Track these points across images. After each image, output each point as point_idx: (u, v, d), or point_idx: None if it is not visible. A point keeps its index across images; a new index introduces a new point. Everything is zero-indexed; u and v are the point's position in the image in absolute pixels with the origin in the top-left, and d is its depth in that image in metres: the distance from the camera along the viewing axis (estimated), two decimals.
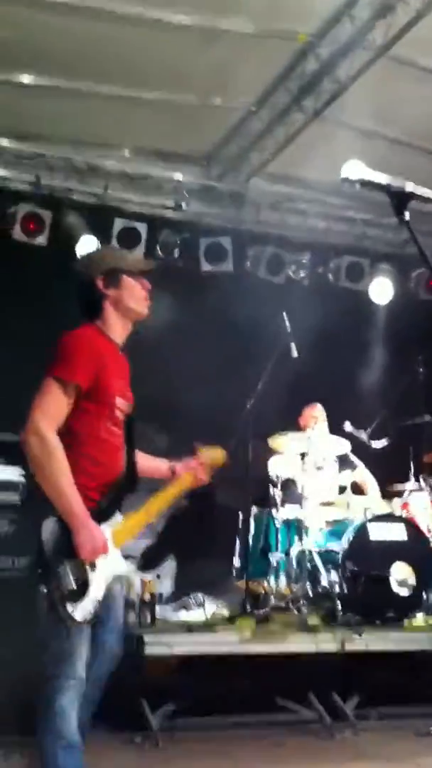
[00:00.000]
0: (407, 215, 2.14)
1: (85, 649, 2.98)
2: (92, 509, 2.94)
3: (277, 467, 6.27)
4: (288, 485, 6.16)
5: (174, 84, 6.68)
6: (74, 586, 2.84)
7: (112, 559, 2.99)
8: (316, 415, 6.76)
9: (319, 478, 6.28)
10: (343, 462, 6.62)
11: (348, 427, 6.57)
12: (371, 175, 2.16)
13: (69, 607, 2.83)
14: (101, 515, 2.98)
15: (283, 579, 5.92)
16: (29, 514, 4.70)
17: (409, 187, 2.13)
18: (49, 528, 2.90)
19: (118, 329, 3.27)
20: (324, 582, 5.65)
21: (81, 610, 2.86)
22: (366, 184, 2.16)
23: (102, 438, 3.09)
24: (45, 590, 2.83)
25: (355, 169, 2.18)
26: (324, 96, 6.63)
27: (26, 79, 6.49)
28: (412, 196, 2.12)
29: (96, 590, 2.91)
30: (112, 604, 3.09)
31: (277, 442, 6.26)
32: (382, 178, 2.16)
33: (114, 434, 3.14)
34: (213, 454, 3.41)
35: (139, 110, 6.88)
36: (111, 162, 7.60)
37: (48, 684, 2.95)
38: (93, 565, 2.91)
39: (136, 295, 3.29)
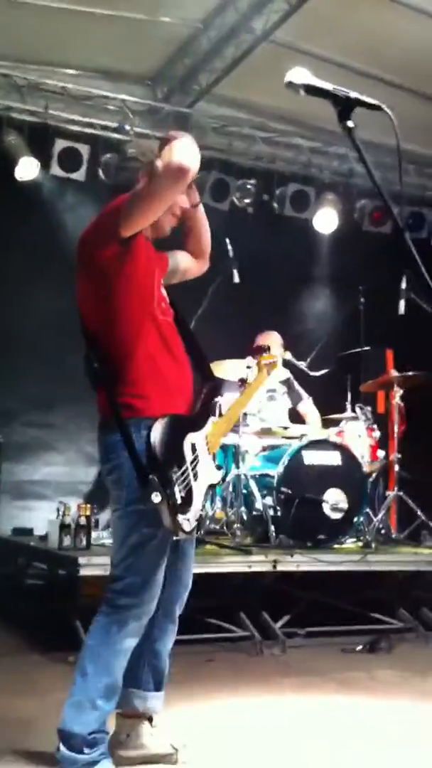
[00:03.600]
0: (351, 123, 2.10)
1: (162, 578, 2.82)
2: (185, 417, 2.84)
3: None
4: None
5: None
6: (184, 494, 2.68)
7: (209, 467, 2.88)
8: (275, 340, 6.75)
9: (272, 407, 6.34)
10: (291, 391, 6.66)
11: (287, 355, 6.60)
12: (315, 80, 2.12)
13: (180, 517, 2.65)
14: (195, 423, 2.87)
15: (218, 503, 5.99)
16: None
17: (354, 93, 2.09)
18: (158, 431, 2.68)
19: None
20: (258, 506, 5.73)
21: (189, 522, 2.70)
22: (310, 89, 2.11)
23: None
24: (158, 498, 2.61)
25: (300, 75, 2.13)
26: (273, 16, 6.51)
27: None
28: (357, 102, 2.08)
29: (198, 500, 2.77)
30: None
31: (216, 368, 6.22)
32: (326, 84, 2.12)
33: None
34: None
35: (84, 26, 6.66)
36: (53, 80, 7.36)
37: (118, 615, 2.75)
38: (195, 474, 2.77)
39: (167, 214, 2.97)
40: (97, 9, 6.52)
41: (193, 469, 2.77)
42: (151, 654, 2.98)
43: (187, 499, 2.71)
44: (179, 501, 2.65)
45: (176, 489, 2.66)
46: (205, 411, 2.93)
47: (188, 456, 2.78)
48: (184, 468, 2.72)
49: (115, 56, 7.32)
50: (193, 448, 2.81)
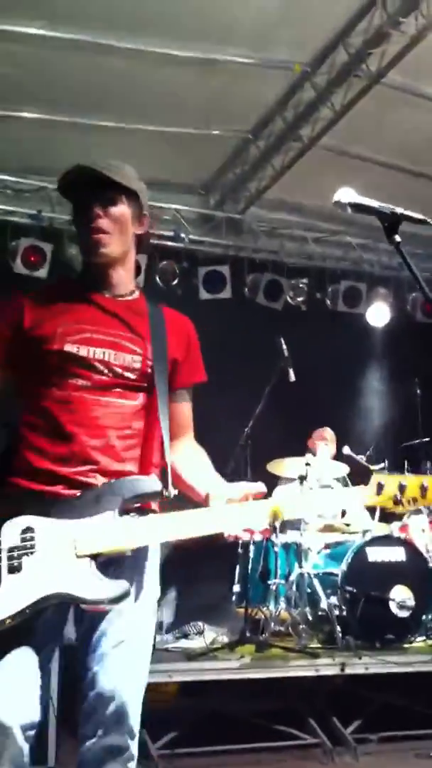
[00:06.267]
0: (398, 238, 2.18)
1: (11, 683, 2.19)
2: (64, 499, 2.29)
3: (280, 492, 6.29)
4: None
5: (172, 114, 6.79)
6: None
7: (63, 569, 2.20)
8: (325, 437, 6.81)
9: None
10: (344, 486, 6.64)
11: (347, 450, 6.59)
12: (362, 199, 2.22)
13: None
14: (72, 510, 2.26)
15: (282, 604, 5.90)
16: None
17: (399, 209, 2.19)
18: None
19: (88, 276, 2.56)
20: (323, 605, 5.63)
21: None
22: (357, 207, 2.22)
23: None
24: None
25: (347, 194, 2.24)
26: (320, 124, 6.75)
27: (27, 113, 6.61)
28: (402, 217, 2.18)
29: (8, 598, 2.16)
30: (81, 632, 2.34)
31: (275, 466, 6.28)
32: (372, 202, 2.22)
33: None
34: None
35: (138, 141, 6.97)
36: None
37: None
38: (16, 566, 2.18)
39: (81, 242, 2.52)
40: (149, 126, 6.85)
41: (11, 557, 2.21)
42: None
43: None
44: None
45: None
46: (95, 503, 2.27)
47: (5, 538, 2.24)
48: None
49: (169, 168, 7.62)
50: (25, 531, 2.24)
